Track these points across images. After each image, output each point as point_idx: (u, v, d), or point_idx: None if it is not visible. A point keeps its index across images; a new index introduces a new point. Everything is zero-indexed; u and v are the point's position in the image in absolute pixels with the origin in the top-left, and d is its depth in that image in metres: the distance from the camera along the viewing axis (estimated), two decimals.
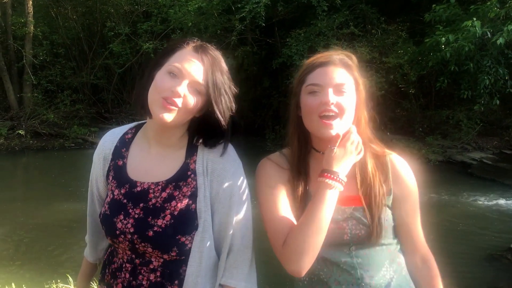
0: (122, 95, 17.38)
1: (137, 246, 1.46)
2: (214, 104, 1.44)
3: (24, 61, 15.21)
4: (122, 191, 1.51)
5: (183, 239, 1.45)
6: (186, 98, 1.39)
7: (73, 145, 14.26)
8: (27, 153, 13.73)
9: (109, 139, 1.63)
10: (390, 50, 11.83)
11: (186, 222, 1.46)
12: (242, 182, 1.53)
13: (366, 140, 1.57)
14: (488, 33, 8.83)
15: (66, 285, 4.26)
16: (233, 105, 1.51)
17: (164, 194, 1.47)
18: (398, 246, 1.60)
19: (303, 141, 1.60)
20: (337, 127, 1.48)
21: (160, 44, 14.81)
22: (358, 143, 1.51)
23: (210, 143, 1.51)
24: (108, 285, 1.57)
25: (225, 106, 1.47)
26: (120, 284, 1.51)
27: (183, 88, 1.38)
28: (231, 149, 1.55)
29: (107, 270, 1.60)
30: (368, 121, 1.59)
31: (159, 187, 1.49)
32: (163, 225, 1.44)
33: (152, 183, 1.50)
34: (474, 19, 8.80)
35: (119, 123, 15.68)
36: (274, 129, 14.16)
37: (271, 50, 14.48)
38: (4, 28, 15.73)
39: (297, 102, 1.56)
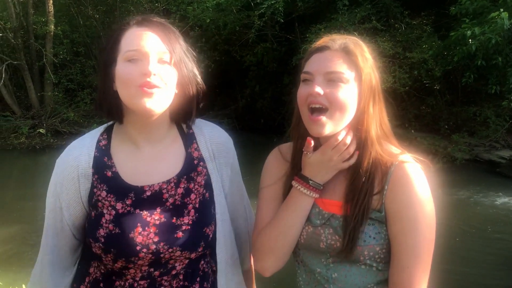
0: None
1: (162, 255, 1.34)
2: (180, 68, 1.33)
3: (45, 60, 15.37)
4: (128, 202, 1.35)
5: (207, 230, 1.40)
6: (161, 73, 1.28)
7: None
8: (47, 151, 13.83)
9: (82, 151, 1.40)
10: (414, 44, 11.56)
11: (207, 211, 1.42)
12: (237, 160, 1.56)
13: (369, 143, 1.33)
14: None
15: None
16: (195, 66, 1.41)
17: (180, 190, 1.39)
18: None
19: (302, 133, 1.40)
20: (330, 123, 1.29)
21: None
22: (347, 150, 1.32)
23: (189, 119, 1.44)
24: None
25: (190, 69, 1.37)
26: None
27: (153, 66, 1.26)
28: (220, 128, 1.55)
29: None
30: (376, 120, 1.34)
31: (172, 184, 1.38)
32: (190, 222, 1.37)
33: (162, 182, 1.38)
34: (502, 10, 8.44)
35: None
36: None
37: (291, 46, 14.32)
38: (26, 27, 15.92)
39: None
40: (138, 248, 1.31)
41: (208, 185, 1.44)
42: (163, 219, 1.35)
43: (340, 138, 1.31)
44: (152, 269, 1.35)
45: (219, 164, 1.48)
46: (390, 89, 10.06)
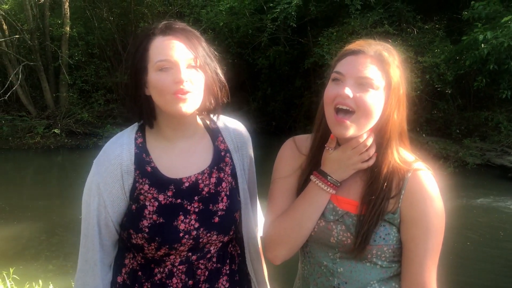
0: None
1: (201, 239, 1.47)
2: (205, 70, 1.43)
3: (60, 61, 15.59)
4: (169, 193, 1.46)
5: (236, 215, 1.55)
6: (192, 79, 1.38)
7: None
8: (62, 151, 14.07)
9: (123, 149, 1.47)
10: (426, 49, 11.53)
11: (235, 198, 1.55)
12: None
13: (387, 149, 1.38)
14: None
15: None
16: (217, 66, 1.50)
17: (213, 180, 1.51)
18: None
19: (324, 130, 1.45)
20: (353, 126, 1.32)
21: None
22: (367, 152, 1.36)
23: (216, 112, 1.57)
24: None
25: (213, 69, 1.47)
26: None
27: (184, 73, 1.36)
28: (239, 122, 1.70)
29: None
30: (397, 128, 1.39)
31: (206, 174, 1.51)
32: (224, 208, 1.51)
33: (198, 173, 1.50)
34: None
35: None
36: (306, 130, 13.97)
37: (303, 49, 14.38)
38: (42, 29, 16.13)
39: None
40: (181, 234, 1.43)
41: (233, 174, 1.56)
42: (201, 207, 1.47)
43: (361, 139, 1.35)
44: (190, 254, 1.48)
45: (241, 155, 1.60)
46: (406, 95, 10.03)
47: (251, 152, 1.65)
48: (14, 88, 14.81)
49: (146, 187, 1.44)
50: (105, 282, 1.52)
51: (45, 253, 6.40)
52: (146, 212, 1.43)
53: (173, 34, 1.39)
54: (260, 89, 15.28)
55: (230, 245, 1.60)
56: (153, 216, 1.43)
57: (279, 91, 15.44)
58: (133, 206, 1.45)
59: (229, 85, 1.55)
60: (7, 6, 14.49)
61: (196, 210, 1.46)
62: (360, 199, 1.39)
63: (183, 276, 1.48)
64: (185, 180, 1.47)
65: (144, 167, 1.46)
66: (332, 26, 12.39)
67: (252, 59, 14.99)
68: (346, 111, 1.32)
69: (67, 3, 15.67)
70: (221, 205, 1.50)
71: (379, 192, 1.36)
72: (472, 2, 9.85)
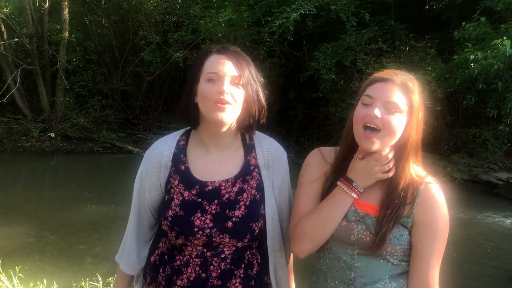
0: (150, 102, 17.70)
1: (214, 239, 1.62)
2: (248, 92, 1.62)
3: (58, 66, 15.66)
4: (193, 192, 1.66)
5: (254, 225, 1.65)
6: (233, 93, 1.58)
7: (101, 149, 14.62)
8: (56, 155, 14.13)
9: (165, 147, 1.73)
10: (418, 66, 11.75)
11: (256, 210, 1.67)
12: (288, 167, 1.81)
13: (405, 164, 1.60)
14: None
15: (94, 283, 4.42)
16: (260, 89, 1.68)
17: (235, 189, 1.67)
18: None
19: (350, 143, 1.66)
20: (378, 142, 1.54)
21: (190, 53, 15.08)
22: (387, 164, 1.59)
23: (252, 131, 1.73)
24: (165, 282, 1.68)
25: (254, 91, 1.65)
26: (186, 279, 1.65)
27: (227, 86, 1.57)
28: (275, 140, 1.81)
29: (161, 270, 1.70)
30: (415, 146, 1.61)
31: (229, 183, 1.67)
32: (239, 216, 1.64)
33: (222, 180, 1.67)
34: (505, 37, 8.75)
35: (146, 130, 16.03)
36: (298, 141, 14.22)
37: (298, 62, 14.57)
38: (41, 33, 16.21)
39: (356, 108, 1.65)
40: (195, 229, 1.61)
41: (260, 188, 1.69)
42: (218, 210, 1.63)
43: (383, 153, 1.57)
44: (205, 250, 1.64)
45: (271, 172, 1.73)
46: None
47: (283, 172, 1.77)
48: (12, 91, 14.84)
49: (176, 182, 1.67)
50: (141, 255, 1.81)
51: (50, 253, 6.52)
52: (173, 204, 1.66)
53: (226, 54, 1.60)
54: None
55: (248, 252, 1.70)
56: (176, 208, 1.64)
57: (273, 102, 15.55)
58: (166, 197, 1.69)
59: None
60: (7, 10, 14.57)
61: (213, 211, 1.63)
62: (379, 204, 1.61)
63: (197, 268, 1.64)
64: (209, 184, 1.66)
65: (179, 165, 1.69)
66: (327, 41, 12.61)
67: None
68: (373, 129, 1.53)
69: (67, 9, 15.79)
70: (237, 213, 1.64)
71: (398, 198, 1.58)
72: (463, 23, 10.08)
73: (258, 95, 1.67)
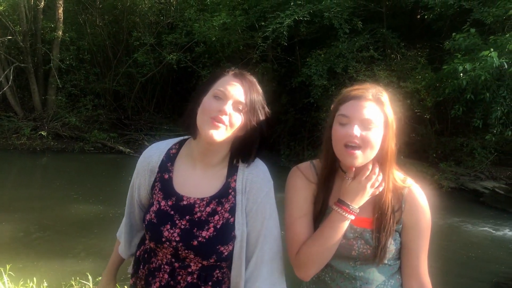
0: (143, 103, 17.73)
1: (180, 252, 1.65)
2: (249, 121, 1.65)
3: (51, 64, 15.63)
4: (169, 203, 1.69)
5: (222, 248, 1.64)
6: (231, 116, 1.61)
7: (92, 149, 14.59)
8: (47, 153, 14.08)
9: (156, 152, 1.80)
10: (408, 75, 11.90)
11: (226, 234, 1.66)
12: (273, 202, 1.74)
13: (389, 173, 1.68)
14: (505, 64, 8.91)
15: (84, 282, 4.46)
16: (263, 123, 1.69)
17: (208, 209, 1.67)
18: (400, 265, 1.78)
19: (332, 160, 1.73)
20: (361, 157, 1.61)
21: (183, 56, 15.15)
22: (377, 180, 1.66)
23: (246, 159, 1.72)
24: (144, 280, 1.76)
25: (258, 124, 1.67)
26: (158, 283, 1.70)
27: (228, 107, 1.60)
28: (265, 170, 1.75)
29: (142, 266, 1.78)
30: (394, 155, 1.69)
31: (204, 202, 1.68)
32: (206, 236, 1.64)
33: (197, 198, 1.69)
34: (492, 49, 8.91)
35: (137, 130, 16.05)
36: (289, 146, 14.28)
37: (290, 68, 14.66)
38: (34, 31, 16.16)
39: (331, 125, 1.69)
40: (163, 239, 1.65)
41: (232, 212, 1.68)
42: (187, 226, 1.65)
43: (372, 171, 1.65)
44: (173, 260, 1.68)
45: (246, 198, 1.69)
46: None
47: (261, 200, 1.70)
48: (4, 89, 14.79)
49: (157, 189, 1.74)
50: (132, 242, 1.92)
51: (40, 252, 6.55)
52: (151, 209, 1.72)
53: (240, 79, 1.65)
54: None
55: (217, 271, 1.69)
56: (152, 214, 1.70)
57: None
58: (151, 200, 1.76)
59: None
60: (1, 7, 14.53)
61: (182, 227, 1.65)
62: (372, 215, 1.70)
63: (165, 275, 1.69)
64: (185, 199, 1.69)
65: (163, 173, 1.75)
66: (320, 47, 12.72)
67: None
68: (353, 146, 1.60)
69: (61, 8, 15.77)
70: (204, 233, 1.64)
71: (387, 208, 1.68)
72: (454, 34, 10.22)
73: (260, 127, 1.68)
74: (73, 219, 8.11)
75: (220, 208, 1.68)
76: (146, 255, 1.78)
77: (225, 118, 1.59)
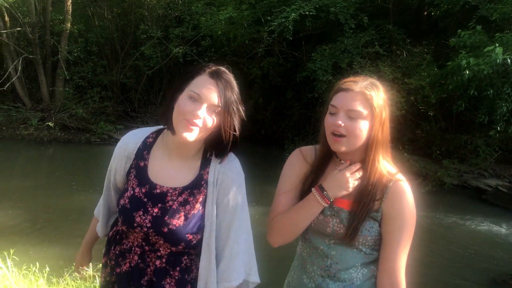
0: (149, 96, 17.81)
1: (150, 237, 1.73)
2: (223, 121, 1.69)
3: (59, 56, 15.72)
4: (143, 190, 1.76)
5: (191, 237, 1.73)
6: (205, 119, 1.65)
7: (99, 140, 14.70)
8: (54, 144, 14.20)
9: (133, 140, 1.85)
10: (413, 71, 11.81)
11: (195, 223, 1.74)
12: (245, 194, 1.82)
13: (376, 163, 1.76)
14: (509, 60, 8.87)
15: (85, 269, 4.55)
16: (237, 122, 1.74)
17: (180, 199, 1.74)
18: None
19: (327, 145, 1.81)
20: (345, 144, 1.72)
21: (189, 49, 15.21)
22: (357, 171, 1.77)
23: (220, 155, 1.79)
24: (114, 260, 1.85)
25: (231, 123, 1.71)
26: (128, 264, 1.80)
27: (202, 112, 1.64)
28: (238, 164, 1.83)
29: (113, 247, 1.87)
30: (382, 145, 1.76)
31: (176, 192, 1.75)
32: (176, 225, 1.71)
33: (170, 187, 1.76)
34: (497, 45, 8.86)
35: (144, 123, 16.15)
36: (293, 140, 14.29)
37: (296, 62, 14.64)
38: (43, 23, 16.25)
39: (326, 114, 1.80)
40: (135, 224, 1.73)
41: (203, 203, 1.75)
42: (159, 214, 1.72)
43: (356, 171, 1.76)
44: (144, 243, 1.77)
45: (218, 190, 1.75)
46: (388, 118, 10.20)
47: (233, 192, 1.77)
48: (13, 80, 14.91)
49: (133, 176, 1.80)
50: (108, 222, 2.01)
51: (43, 238, 6.73)
52: (125, 194, 1.78)
53: (215, 80, 1.66)
54: (252, 98, 15.46)
55: (185, 257, 1.78)
56: (126, 200, 1.76)
57: (270, 101, 15.61)
58: (125, 186, 1.82)
59: None
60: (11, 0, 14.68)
61: (154, 214, 1.72)
62: (352, 199, 1.78)
63: (135, 257, 1.77)
64: (158, 187, 1.75)
65: (139, 160, 1.81)
66: (325, 43, 12.68)
67: (246, 68, 15.14)
68: (338, 134, 1.72)
69: (70, 0, 15.85)
70: (175, 221, 1.70)
71: (368, 194, 1.76)
72: (459, 31, 10.14)
73: (234, 126, 1.73)
74: (76, 207, 8.24)
75: (192, 198, 1.75)
76: (118, 237, 1.87)
77: (198, 121, 1.64)
